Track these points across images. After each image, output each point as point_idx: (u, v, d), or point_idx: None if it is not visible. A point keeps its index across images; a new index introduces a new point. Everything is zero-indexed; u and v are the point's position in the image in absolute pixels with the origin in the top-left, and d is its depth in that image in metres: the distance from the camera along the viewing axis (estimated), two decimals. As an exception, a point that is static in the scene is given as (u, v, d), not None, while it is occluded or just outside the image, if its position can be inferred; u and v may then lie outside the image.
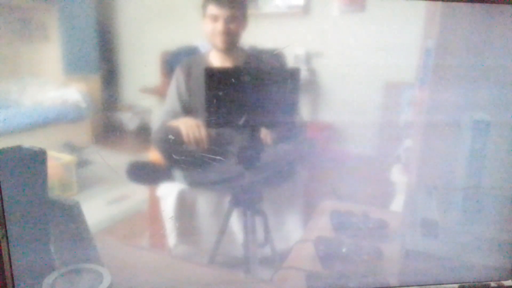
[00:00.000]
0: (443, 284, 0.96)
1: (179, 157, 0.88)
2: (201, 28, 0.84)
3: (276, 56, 0.84)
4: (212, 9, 0.82)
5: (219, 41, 0.84)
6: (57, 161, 0.84)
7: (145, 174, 0.90)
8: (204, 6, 0.82)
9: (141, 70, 0.82)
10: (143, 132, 0.87)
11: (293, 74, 0.86)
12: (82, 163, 0.86)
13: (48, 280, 0.80)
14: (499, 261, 0.99)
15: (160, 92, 0.88)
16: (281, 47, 0.83)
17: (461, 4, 0.85)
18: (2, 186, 0.76)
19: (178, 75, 0.87)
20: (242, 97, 0.85)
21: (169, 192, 0.96)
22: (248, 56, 0.86)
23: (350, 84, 0.89)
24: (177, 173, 0.93)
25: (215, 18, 0.83)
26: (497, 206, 0.98)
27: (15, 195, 0.77)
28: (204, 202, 0.99)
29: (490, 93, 0.91)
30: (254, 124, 0.88)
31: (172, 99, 0.89)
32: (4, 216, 0.76)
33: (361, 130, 0.94)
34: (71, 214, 0.84)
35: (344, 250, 0.97)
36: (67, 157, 0.86)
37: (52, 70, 0.80)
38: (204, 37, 0.86)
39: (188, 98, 0.89)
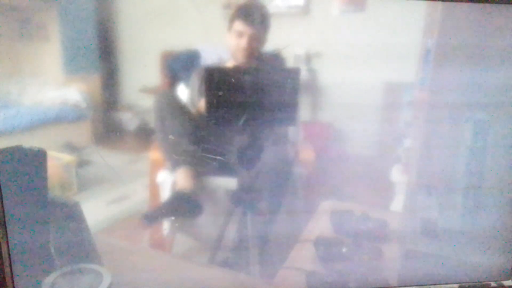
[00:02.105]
0: (443, 284, 0.96)
1: (179, 157, 0.88)
2: (225, 41, 0.86)
3: (281, 57, 0.85)
4: (239, 25, 0.84)
5: (240, 56, 0.87)
6: (57, 161, 0.84)
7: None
8: (231, 21, 0.84)
9: (141, 70, 0.82)
10: (143, 132, 0.87)
11: (293, 74, 0.86)
12: (82, 163, 0.86)
13: (48, 280, 0.80)
14: (499, 261, 0.99)
15: (160, 92, 0.88)
16: (281, 47, 0.83)
17: (461, 4, 0.85)
18: (2, 186, 0.76)
19: (194, 80, 0.88)
20: (242, 97, 0.85)
21: (169, 193, 0.96)
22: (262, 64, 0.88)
23: (350, 84, 0.89)
24: (177, 172, 0.94)
25: (240, 34, 0.85)
26: (497, 206, 0.98)
27: (15, 195, 0.77)
28: (204, 202, 0.99)
29: (490, 93, 0.91)
30: (254, 124, 0.88)
31: (188, 102, 0.90)
32: (4, 216, 0.76)
33: (361, 130, 0.94)
34: (71, 214, 0.84)
35: (344, 250, 0.97)
36: (67, 157, 0.86)
37: (52, 70, 0.80)
38: (227, 49, 0.87)
39: (200, 102, 0.89)
